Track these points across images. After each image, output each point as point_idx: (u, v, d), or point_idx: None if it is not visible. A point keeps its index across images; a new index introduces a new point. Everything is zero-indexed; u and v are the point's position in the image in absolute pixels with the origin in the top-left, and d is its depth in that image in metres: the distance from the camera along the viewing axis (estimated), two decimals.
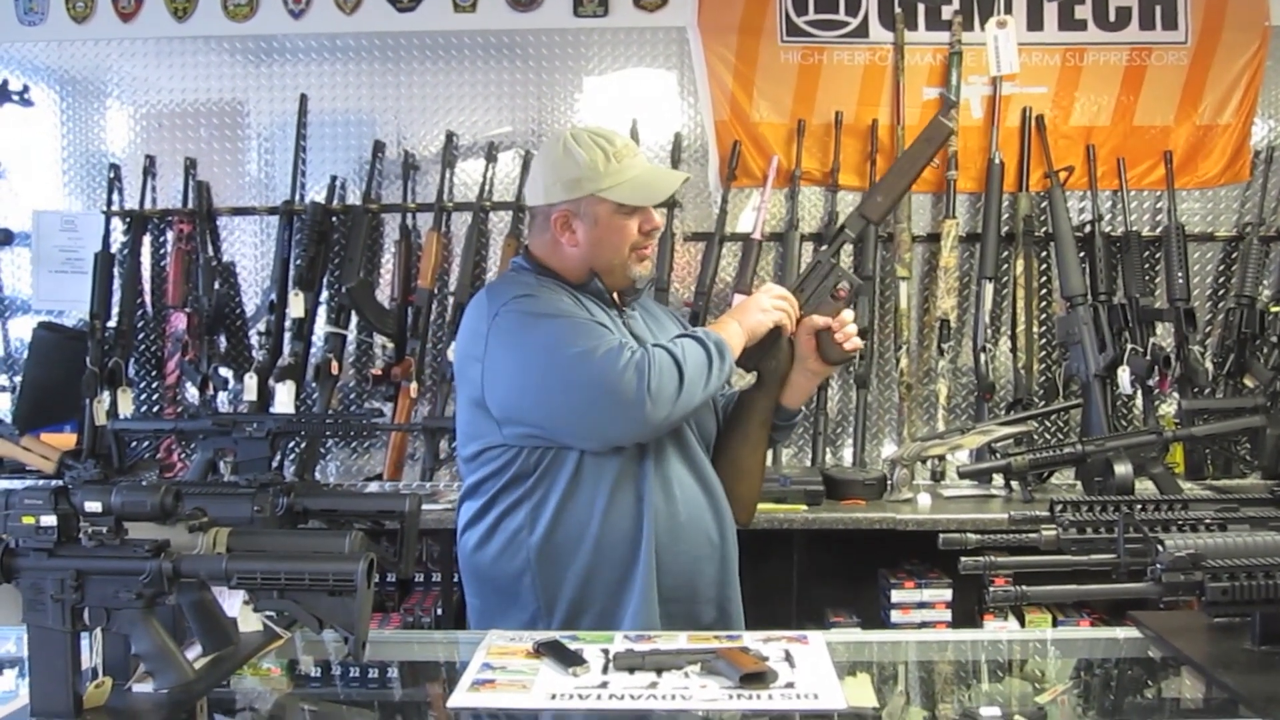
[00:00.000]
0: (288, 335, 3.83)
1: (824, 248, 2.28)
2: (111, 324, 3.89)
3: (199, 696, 1.67)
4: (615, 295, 2.25)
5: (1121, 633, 2.03)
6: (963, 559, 1.76)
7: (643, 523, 2.09)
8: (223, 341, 3.96)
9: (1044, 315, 3.85)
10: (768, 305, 2.20)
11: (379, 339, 3.87)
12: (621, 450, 2.09)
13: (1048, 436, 3.85)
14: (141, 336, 4.03)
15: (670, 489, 2.13)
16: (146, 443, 3.97)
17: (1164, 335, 3.70)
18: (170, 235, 4.01)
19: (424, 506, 2.13)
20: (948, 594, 3.33)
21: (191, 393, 3.92)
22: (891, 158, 3.80)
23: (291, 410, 3.71)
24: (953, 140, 3.78)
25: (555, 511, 2.10)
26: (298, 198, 3.95)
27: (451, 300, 3.86)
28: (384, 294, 3.92)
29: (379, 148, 3.95)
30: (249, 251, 4.05)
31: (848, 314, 2.23)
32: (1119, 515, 1.80)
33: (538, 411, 2.07)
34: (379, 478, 3.87)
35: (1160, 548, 1.68)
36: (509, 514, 2.13)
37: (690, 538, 2.14)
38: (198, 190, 3.98)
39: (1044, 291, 3.86)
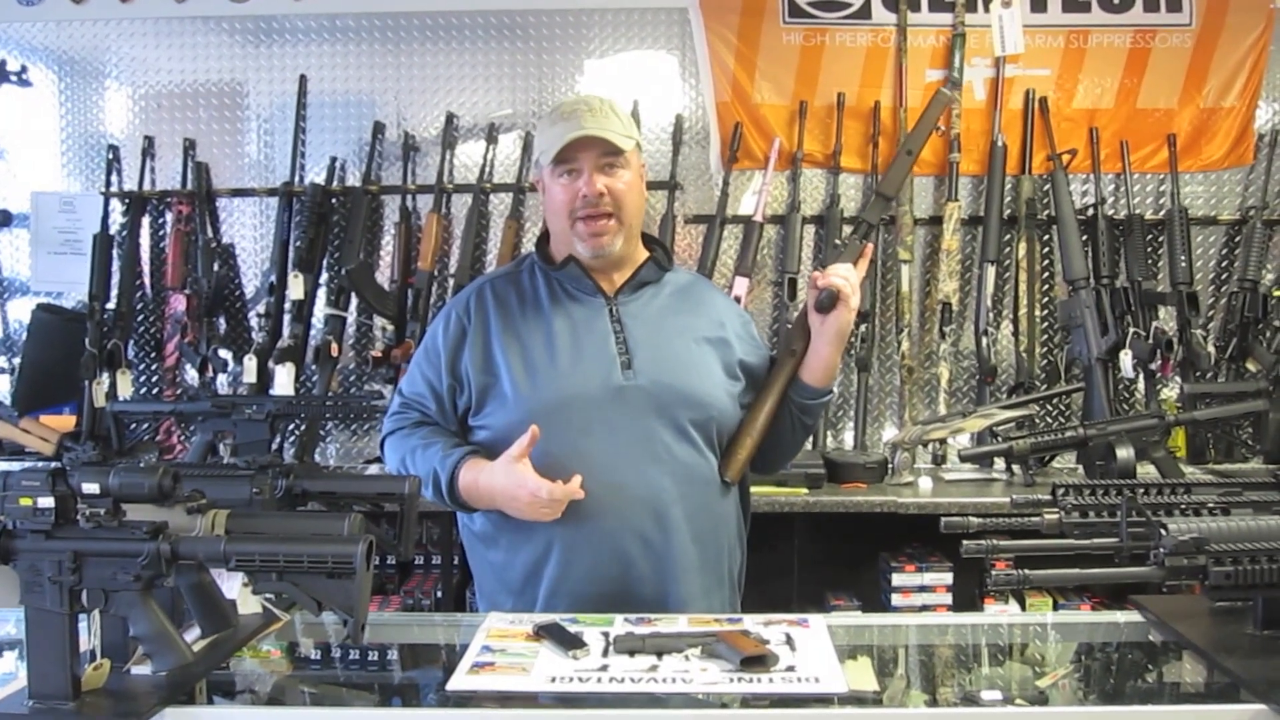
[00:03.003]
0: (287, 317, 3.83)
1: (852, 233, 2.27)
2: (110, 306, 3.88)
3: (197, 679, 1.67)
4: (616, 280, 2.23)
5: (1122, 617, 2.03)
6: (964, 542, 1.75)
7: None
8: (222, 323, 3.96)
9: (1046, 299, 3.84)
10: (520, 507, 2.04)
11: (379, 321, 3.86)
12: (552, 442, 2.07)
13: (1049, 420, 3.84)
14: (140, 318, 4.02)
15: (595, 491, 2.05)
16: (146, 425, 3.97)
17: (1166, 319, 3.69)
18: (169, 217, 4.01)
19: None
20: (948, 577, 3.33)
21: (191, 375, 3.92)
22: (894, 140, 3.79)
23: (291, 392, 3.71)
24: (955, 123, 3.77)
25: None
26: (297, 179, 3.93)
27: (451, 282, 3.84)
28: (384, 276, 3.91)
29: (379, 129, 3.94)
30: (248, 233, 4.04)
31: (837, 265, 2.17)
32: (1121, 499, 1.79)
33: None
34: (379, 460, 3.86)
35: (1163, 531, 1.67)
36: None
37: (617, 539, 2.07)
38: (197, 171, 3.97)
39: (1046, 275, 3.85)
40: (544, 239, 2.29)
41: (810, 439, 3.74)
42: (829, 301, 2.16)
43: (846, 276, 2.16)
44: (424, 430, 2.19)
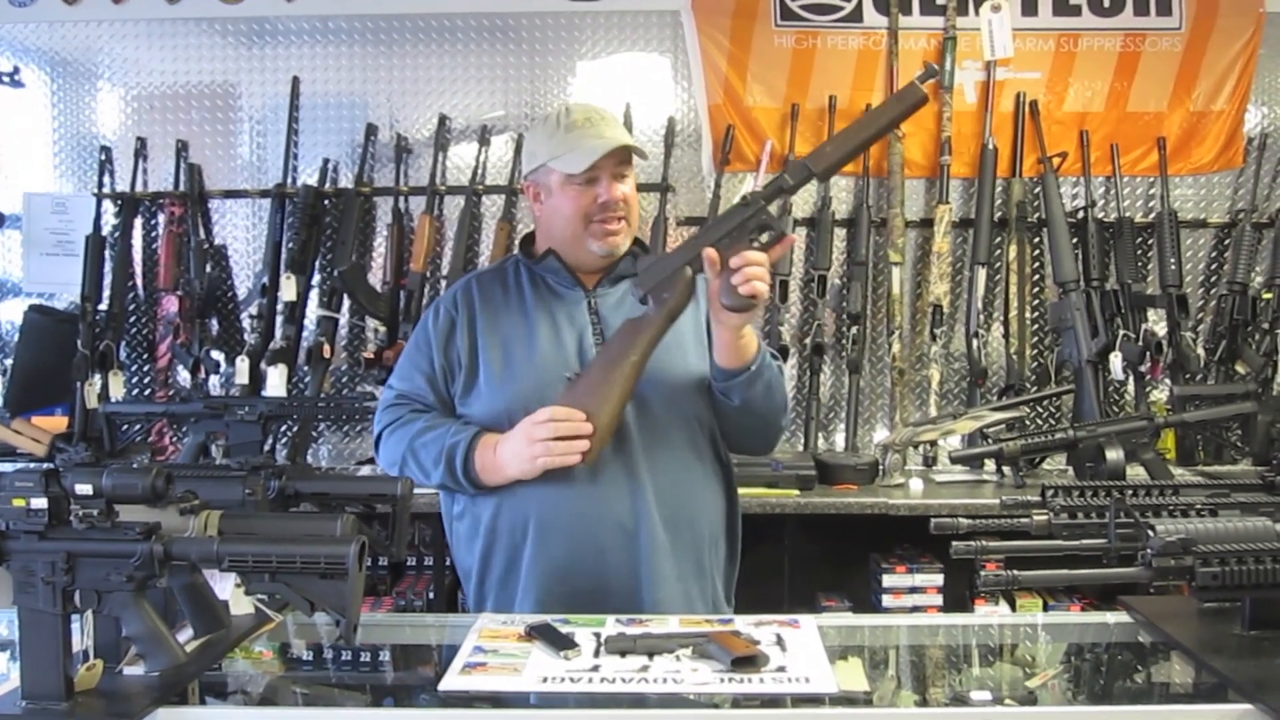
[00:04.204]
0: (279, 318, 3.82)
1: (756, 189, 2.08)
2: (103, 307, 3.87)
3: (190, 679, 1.67)
4: (595, 273, 2.25)
5: (1112, 617, 2.04)
6: (954, 544, 1.76)
7: (531, 506, 2.11)
8: (214, 325, 3.95)
9: (1036, 301, 3.86)
10: (528, 452, 2.04)
11: (371, 322, 3.87)
12: None
13: (1040, 422, 3.85)
14: (133, 319, 4.02)
15: (572, 474, 2.08)
16: (138, 426, 3.96)
17: (1156, 321, 3.71)
18: (162, 218, 4.00)
19: (416, 490, 2.12)
20: (939, 579, 3.34)
21: (183, 376, 3.91)
22: (885, 143, 3.79)
23: (283, 394, 3.70)
24: (946, 125, 3.78)
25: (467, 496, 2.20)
26: (290, 180, 3.93)
27: (444, 284, 3.85)
28: (376, 277, 3.91)
29: (371, 131, 3.94)
30: (241, 234, 4.04)
31: (755, 254, 1.96)
32: (1110, 500, 1.80)
33: None
34: (371, 461, 3.86)
35: (1151, 533, 1.68)
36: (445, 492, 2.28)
37: (592, 524, 2.09)
38: (189, 173, 3.97)
39: (1036, 277, 3.86)
40: (528, 238, 2.33)
41: (804, 440, 3.79)
42: (747, 305, 1.97)
43: (765, 277, 1.99)
44: (426, 417, 2.21)
